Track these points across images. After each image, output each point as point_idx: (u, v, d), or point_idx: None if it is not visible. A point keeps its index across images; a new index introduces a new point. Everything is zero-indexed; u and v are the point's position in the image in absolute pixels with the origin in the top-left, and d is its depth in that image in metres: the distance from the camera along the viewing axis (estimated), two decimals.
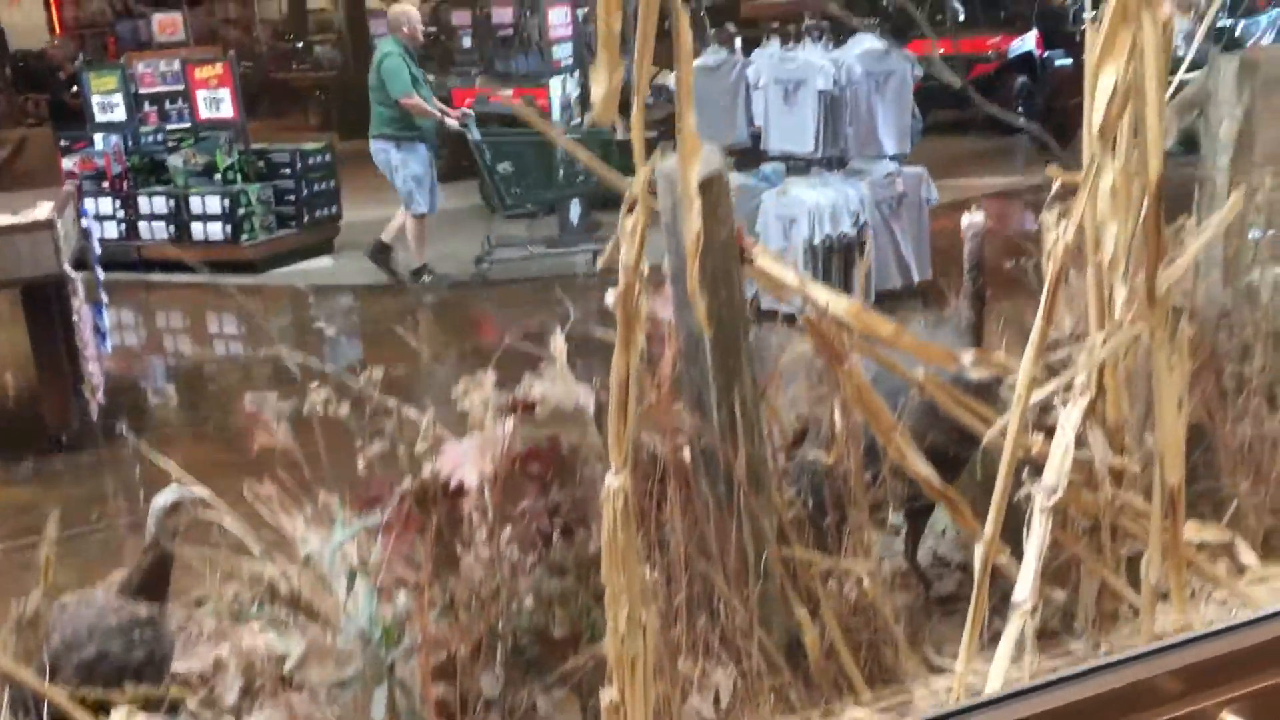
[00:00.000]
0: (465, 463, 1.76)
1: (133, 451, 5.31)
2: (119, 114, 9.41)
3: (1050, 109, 11.72)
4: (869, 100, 6.51)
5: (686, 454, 1.88)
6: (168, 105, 11.52)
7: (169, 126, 11.47)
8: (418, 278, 7.98)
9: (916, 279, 6.83)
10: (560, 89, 10.07)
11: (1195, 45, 2.97)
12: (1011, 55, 13.16)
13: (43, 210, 5.80)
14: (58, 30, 33.92)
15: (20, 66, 27.19)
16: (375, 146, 7.93)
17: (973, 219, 2.36)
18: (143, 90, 11.44)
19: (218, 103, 8.99)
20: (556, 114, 9.75)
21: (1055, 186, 1.84)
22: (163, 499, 1.93)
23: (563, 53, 9.64)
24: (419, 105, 7.74)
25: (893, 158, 6.74)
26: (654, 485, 1.85)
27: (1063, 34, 13.86)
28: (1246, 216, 2.45)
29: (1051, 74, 12.43)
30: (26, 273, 5.04)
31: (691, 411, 1.80)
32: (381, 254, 8.10)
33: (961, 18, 14.63)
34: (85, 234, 6.02)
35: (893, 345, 1.95)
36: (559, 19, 9.41)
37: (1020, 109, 13.15)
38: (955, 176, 9.96)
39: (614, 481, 1.42)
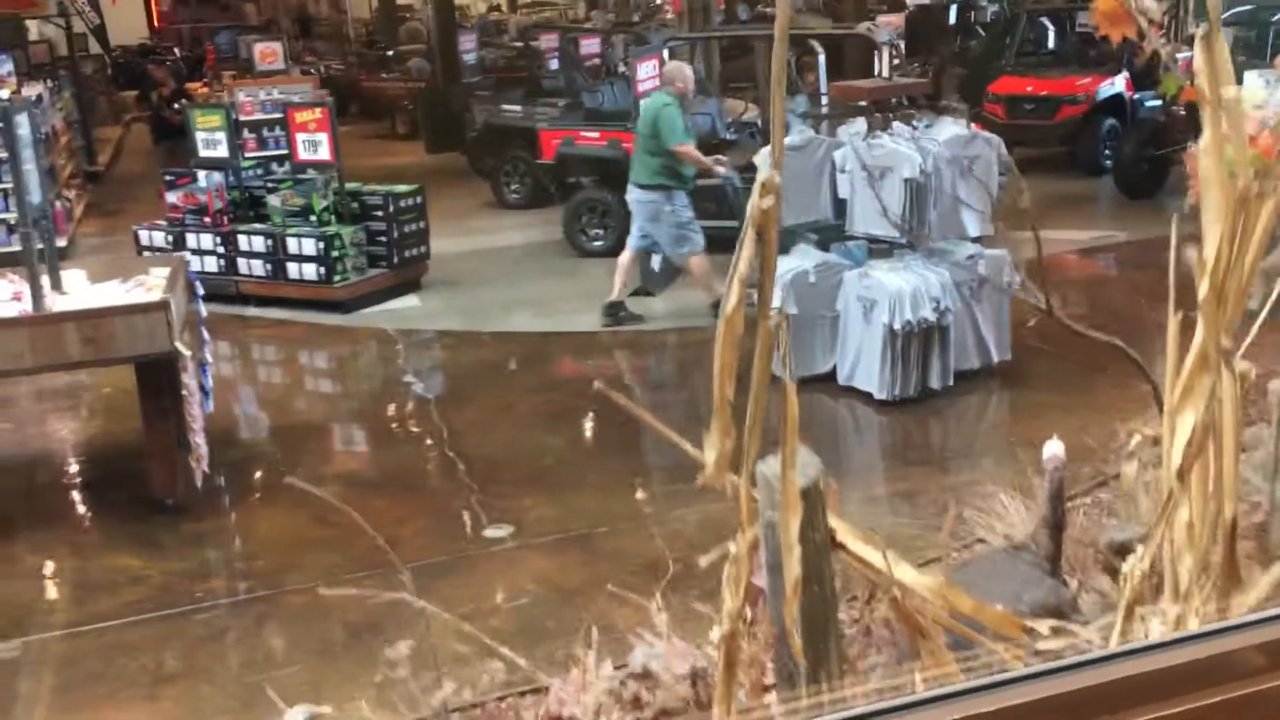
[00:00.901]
0: None
1: (235, 520, 5.62)
2: (222, 150, 9.75)
3: (1139, 156, 11.59)
4: (953, 185, 6.58)
5: None
6: (265, 133, 11.95)
7: (266, 153, 11.93)
8: (717, 312, 8.20)
9: (995, 360, 6.89)
10: None
11: None
12: (1101, 97, 13.02)
13: (157, 277, 6.14)
14: (157, 24, 34.91)
15: (120, 63, 28.16)
16: (642, 195, 8.18)
17: (1054, 451, 2.47)
18: (242, 118, 11.88)
19: (315, 145, 9.28)
20: None
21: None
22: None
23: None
24: (694, 154, 8.08)
25: (975, 239, 6.80)
26: None
27: (1154, 76, 13.69)
28: None
29: (1142, 119, 12.26)
30: (141, 349, 5.32)
31: (783, 688, 1.94)
32: (613, 311, 8.40)
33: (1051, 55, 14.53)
34: (195, 296, 6.31)
35: (975, 618, 2.07)
36: (646, 72, 9.56)
37: (1108, 152, 13.04)
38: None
39: None
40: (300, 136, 9.37)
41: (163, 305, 5.32)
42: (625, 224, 10.10)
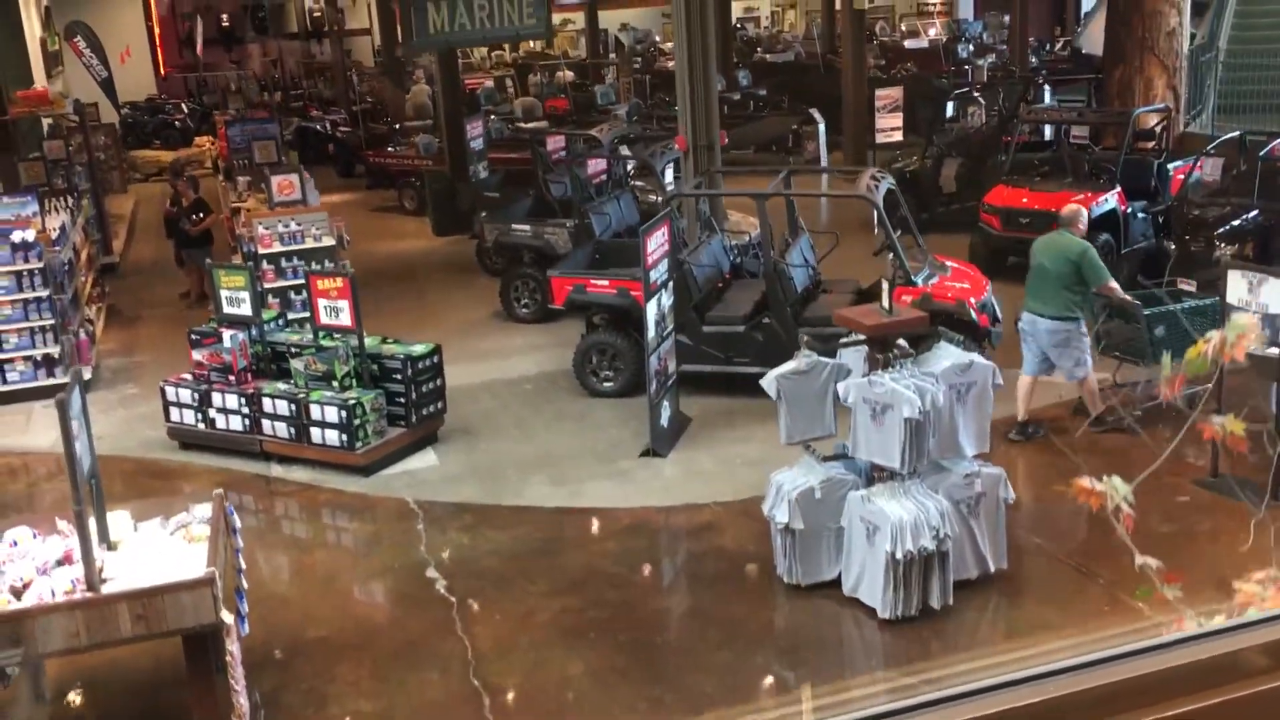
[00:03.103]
0: None
1: None
2: (245, 309, 10.09)
3: (1131, 287, 11.89)
4: (951, 411, 6.92)
5: None
6: (283, 263, 12.31)
7: (284, 283, 12.26)
8: (1099, 425, 9.14)
9: (993, 569, 7.22)
10: None
11: None
12: (1094, 215, 13.32)
13: (198, 520, 6.48)
14: (163, 71, 35.14)
15: (129, 123, 28.50)
16: (1054, 326, 9.10)
17: None
18: (261, 250, 12.24)
19: (337, 312, 9.61)
20: None
21: None
22: None
23: None
24: (1118, 291, 9.23)
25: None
26: None
27: (1145, 187, 14.02)
28: None
29: (1132, 252, 12.55)
30: (189, 623, 5.66)
31: None
32: (1024, 430, 9.32)
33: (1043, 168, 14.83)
34: (232, 530, 6.64)
35: None
36: (655, 244, 9.91)
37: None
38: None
39: None
40: (322, 302, 9.71)
41: (209, 580, 5.66)
42: (635, 366, 10.50)
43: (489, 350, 12.71)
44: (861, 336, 7.07)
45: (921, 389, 6.68)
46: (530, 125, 21.00)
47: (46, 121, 17.78)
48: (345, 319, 9.64)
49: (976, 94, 22.80)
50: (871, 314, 7.01)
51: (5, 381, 11.63)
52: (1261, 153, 11.86)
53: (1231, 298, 8.04)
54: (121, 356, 13.22)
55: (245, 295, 10.08)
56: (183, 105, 29.15)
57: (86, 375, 11.99)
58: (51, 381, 11.74)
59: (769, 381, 7.17)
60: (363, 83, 34.42)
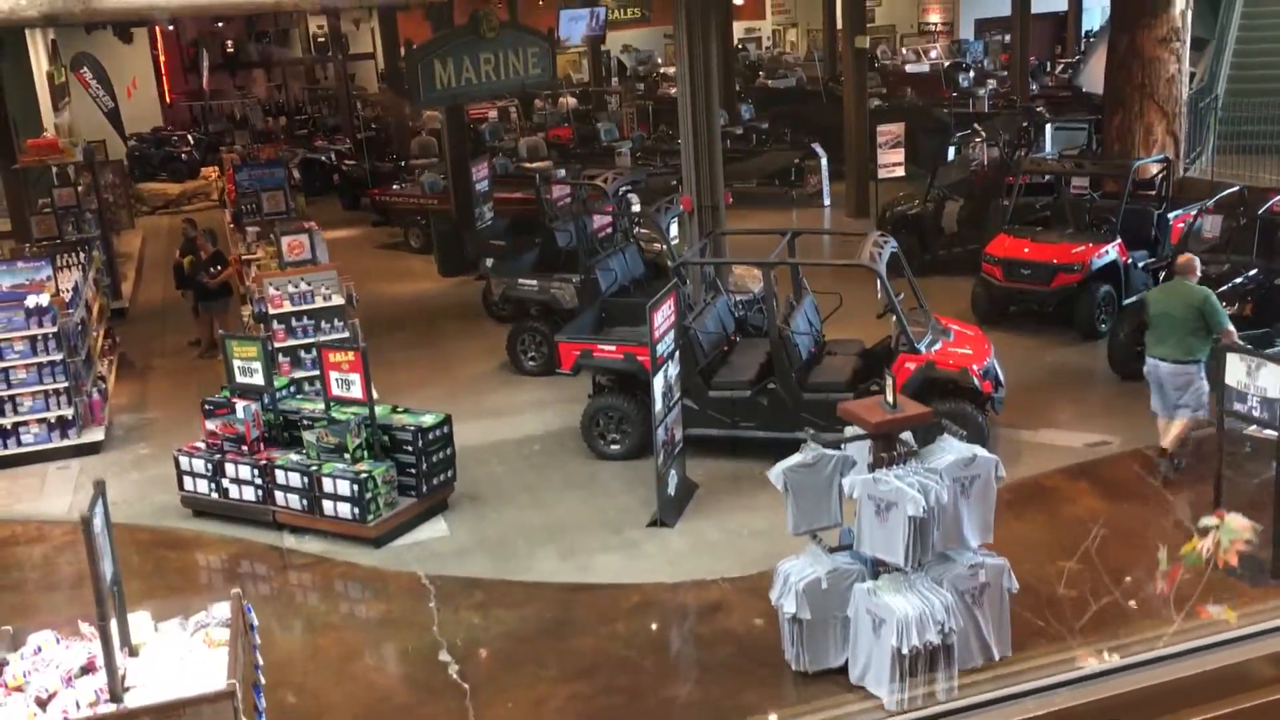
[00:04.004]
0: None
1: None
2: (258, 379, 10.23)
3: (1131, 341, 11.98)
4: (955, 504, 7.05)
5: None
6: (294, 323, 12.46)
7: (295, 342, 12.40)
8: (1166, 462, 9.65)
9: (997, 656, 7.35)
10: None
11: None
12: (1095, 267, 13.48)
13: (217, 621, 6.62)
14: (169, 98, 35.33)
15: (136, 156, 28.68)
16: (1177, 369, 9.59)
17: None
18: (271, 311, 12.39)
19: (348, 384, 9.75)
20: None
21: None
22: None
23: None
24: (1234, 334, 9.47)
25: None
26: None
27: (1146, 236, 14.16)
28: None
29: (1131, 308, 12.62)
30: None
31: None
32: (1172, 463, 9.73)
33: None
34: (249, 628, 6.77)
35: None
36: (660, 319, 10.05)
37: (1102, 318, 13.51)
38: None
39: None
40: (334, 374, 9.84)
41: (229, 694, 5.79)
42: (642, 429, 10.62)
43: (497, 407, 12.84)
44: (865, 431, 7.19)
45: (925, 487, 6.80)
46: (535, 165, 21.15)
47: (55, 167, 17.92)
48: (356, 391, 9.77)
49: (977, 126, 23.02)
50: (875, 410, 7.14)
51: (20, 444, 11.78)
52: (1260, 210, 11.98)
53: (1230, 380, 8.17)
54: (133, 412, 13.36)
55: (258, 365, 10.22)
56: (189, 137, 29.30)
57: (99, 435, 12.20)
58: (65, 443, 11.92)
59: (776, 474, 7.30)
60: (366, 108, 34.68)
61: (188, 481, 10.31)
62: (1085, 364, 12.95)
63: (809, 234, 12.08)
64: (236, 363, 10.30)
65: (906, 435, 7.19)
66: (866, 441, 7.34)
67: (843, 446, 7.43)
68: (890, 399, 7.18)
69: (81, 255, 14.28)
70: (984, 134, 21.84)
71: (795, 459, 7.31)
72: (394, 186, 21.75)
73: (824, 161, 22.53)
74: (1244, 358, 8.08)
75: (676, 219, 13.61)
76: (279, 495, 9.86)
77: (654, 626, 8.38)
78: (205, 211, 26.78)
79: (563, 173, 19.39)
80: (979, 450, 7.23)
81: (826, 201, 22.66)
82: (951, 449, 7.14)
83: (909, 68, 33.44)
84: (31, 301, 11.55)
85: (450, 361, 14.62)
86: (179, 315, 16.58)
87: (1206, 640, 1.52)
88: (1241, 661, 1.45)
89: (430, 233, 19.97)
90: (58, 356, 11.68)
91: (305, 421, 9.94)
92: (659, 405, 9.45)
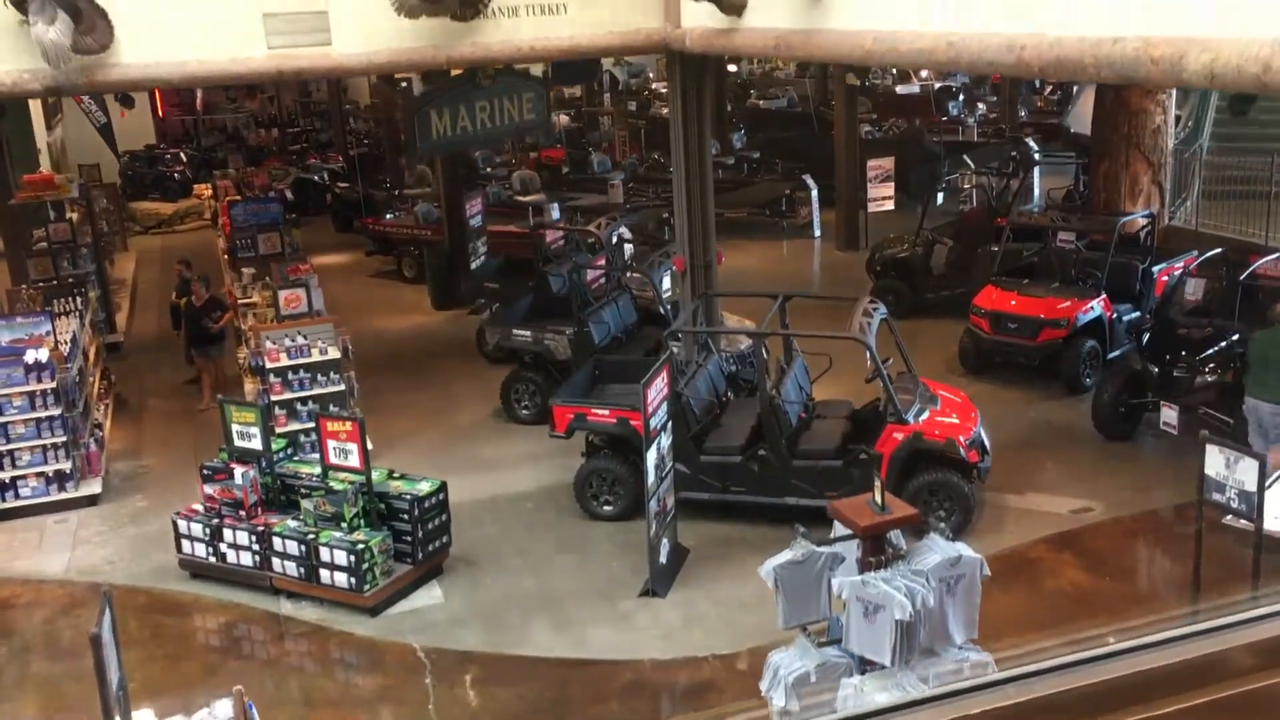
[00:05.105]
0: None
1: None
2: (255, 444, 10.37)
3: (1116, 403, 12.19)
4: (941, 604, 7.24)
5: None
6: (290, 376, 12.60)
7: (291, 395, 12.52)
8: None
9: None
10: None
11: None
12: (1081, 323, 13.70)
13: (219, 717, 6.78)
14: (161, 113, 35.33)
15: (129, 175, 28.72)
16: (1277, 409, 10.26)
17: None
18: (268, 365, 12.53)
19: (345, 454, 9.90)
20: None
21: None
22: None
23: None
24: None
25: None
26: None
27: (1130, 290, 14.39)
28: None
29: (1117, 370, 12.81)
30: None
31: None
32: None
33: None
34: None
35: None
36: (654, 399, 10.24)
37: (1087, 373, 13.73)
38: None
39: None
40: (331, 443, 9.99)
41: None
42: (634, 491, 10.80)
43: (490, 459, 13.00)
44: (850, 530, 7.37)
45: (913, 590, 6.99)
46: (528, 198, 21.29)
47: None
48: (354, 460, 9.92)
49: (967, 158, 23.25)
50: (864, 511, 7.32)
51: (18, 497, 11.90)
52: (1242, 276, 12.19)
53: (1209, 470, 8.37)
54: (130, 459, 13.48)
55: (256, 430, 10.36)
56: (181, 154, 29.36)
57: (96, 488, 12.34)
58: (63, 496, 12.05)
59: (766, 571, 7.47)
60: (358, 120, 34.75)
61: (185, 545, 10.44)
62: (1070, 420, 13.15)
63: (801, 296, 12.23)
64: (235, 427, 10.43)
65: (895, 534, 7.38)
66: (856, 580, 7.51)
67: (832, 537, 7.62)
68: (878, 499, 7.36)
69: (78, 300, 14.35)
70: (973, 165, 22.13)
71: (785, 556, 7.49)
72: (388, 216, 21.84)
73: (814, 193, 22.73)
74: (1223, 450, 8.29)
75: (670, 273, 13.78)
76: (276, 562, 10.01)
77: (646, 707, 8.56)
78: (198, 231, 26.94)
79: (556, 210, 19.50)
80: (964, 550, 7.42)
81: (817, 233, 22.86)
82: (937, 549, 7.33)
83: (899, 89, 33.64)
84: (30, 357, 11.67)
85: (444, 406, 14.76)
86: (174, 348, 16.67)
87: (1185, 630, 1.53)
88: (1220, 650, 1.46)
89: (424, 263, 20.11)
90: (56, 411, 11.80)
91: (304, 490, 10.08)
92: (651, 478, 9.62)
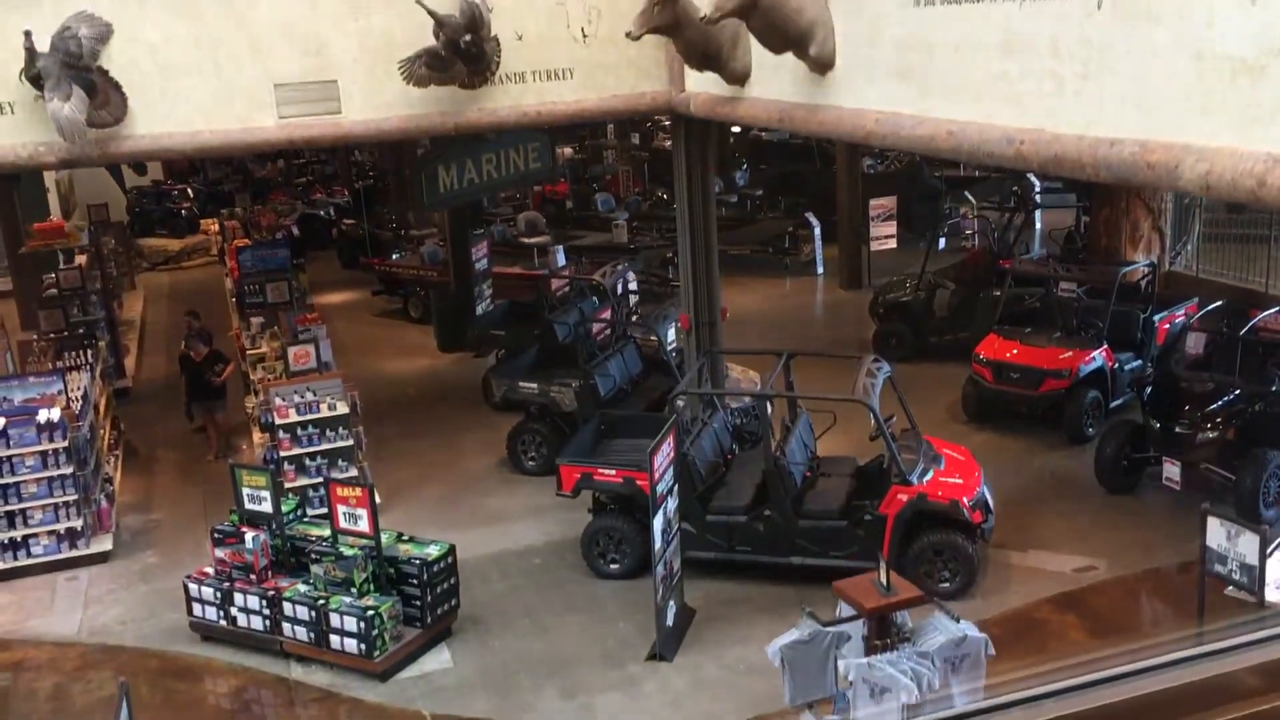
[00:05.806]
0: None
1: None
2: (266, 506, 10.47)
3: (1118, 456, 12.27)
4: (945, 679, 7.34)
5: None
6: (299, 432, 12.72)
7: (300, 450, 12.64)
8: None
9: None
10: None
11: None
12: (1083, 373, 13.79)
13: None
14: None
15: (136, 211, 28.91)
16: None
17: None
18: (278, 421, 12.64)
19: (356, 519, 10.00)
20: None
21: None
22: None
23: None
24: None
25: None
26: None
27: (1131, 338, 14.49)
28: None
29: (1117, 426, 12.87)
30: None
31: None
32: None
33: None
34: None
35: None
36: (659, 463, 10.34)
37: (1089, 423, 13.82)
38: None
39: None
40: (341, 509, 10.09)
41: None
42: (641, 550, 10.90)
43: (497, 511, 13.10)
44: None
45: (918, 673, 7.09)
46: (533, 240, 21.46)
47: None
48: (364, 525, 10.02)
49: (968, 195, 23.39)
50: (870, 593, 7.43)
51: (30, 555, 12.01)
52: (1243, 331, 12.29)
53: (1211, 543, 8.47)
54: (140, 513, 13.58)
55: (266, 494, 10.46)
56: (188, 190, 29.57)
57: (108, 545, 12.45)
58: (74, 553, 12.15)
59: (774, 651, 7.58)
60: (363, 153, 34.92)
61: (196, 608, 10.54)
62: (1073, 471, 13.23)
63: (805, 354, 12.34)
64: (245, 490, 10.54)
65: (904, 620, 7.48)
66: (864, 662, 7.60)
67: (838, 617, 7.72)
68: (883, 579, 7.46)
69: (89, 353, 14.48)
70: (975, 201, 22.26)
71: (792, 635, 7.59)
72: (394, 255, 22.00)
73: (817, 230, 22.88)
74: (1224, 523, 8.38)
75: (675, 325, 13.91)
76: (286, 626, 10.10)
77: None
78: (205, 267, 27.11)
79: (562, 254, 19.62)
80: (970, 630, 7.52)
81: (819, 270, 22.99)
82: (943, 629, 7.43)
83: None
84: (43, 417, 11.79)
85: (450, 455, 14.87)
86: (182, 396, 16.77)
87: (1192, 651, 1.56)
88: (1227, 673, 1.48)
89: (429, 303, 20.25)
90: (68, 470, 11.91)
91: (314, 555, 10.18)
92: (658, 542, 9.72)
